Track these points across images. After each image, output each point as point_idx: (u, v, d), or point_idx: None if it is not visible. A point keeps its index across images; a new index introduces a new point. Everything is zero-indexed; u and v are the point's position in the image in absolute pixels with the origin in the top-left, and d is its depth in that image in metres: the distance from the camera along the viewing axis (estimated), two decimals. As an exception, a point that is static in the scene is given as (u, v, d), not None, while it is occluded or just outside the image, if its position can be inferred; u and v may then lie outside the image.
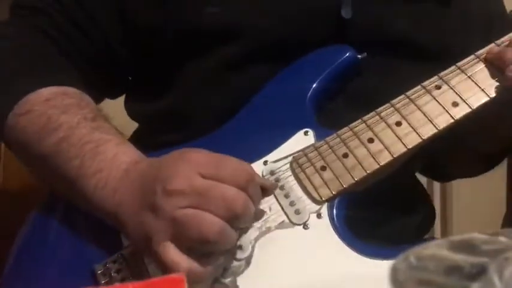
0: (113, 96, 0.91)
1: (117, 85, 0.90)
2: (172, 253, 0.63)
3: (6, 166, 1.09)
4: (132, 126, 0.91)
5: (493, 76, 0.70)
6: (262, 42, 0.77)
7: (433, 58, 0.80)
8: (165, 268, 0.63)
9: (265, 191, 0.69)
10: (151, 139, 0.83)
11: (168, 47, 0.81)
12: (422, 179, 0.97)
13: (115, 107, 0.90)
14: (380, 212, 0.77)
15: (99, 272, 0.71)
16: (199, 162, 0.65)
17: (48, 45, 0.81)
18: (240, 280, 0.67)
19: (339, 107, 0.78)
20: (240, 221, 0.64)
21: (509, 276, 0.34)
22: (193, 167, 0.64)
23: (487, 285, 0.34)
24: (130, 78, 0.91)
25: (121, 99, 0.93)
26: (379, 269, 0.62)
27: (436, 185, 1.73)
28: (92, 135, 0.72)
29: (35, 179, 0.83)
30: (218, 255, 0.65)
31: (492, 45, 0.72)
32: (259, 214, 0.69)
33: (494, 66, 0.70)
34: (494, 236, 0.38)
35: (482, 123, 0.77)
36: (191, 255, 0.63)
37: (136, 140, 0.84)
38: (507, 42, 0.72)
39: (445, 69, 0.72)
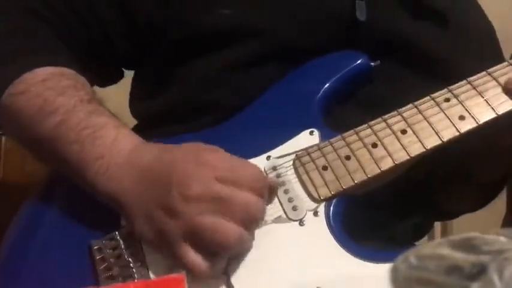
0: (103, 84, 0.90)
1: (109, 74, 0.90)
2: (192, 256, 0.64)
3: (6, 161, 1.09)
4: (132, 123, 0.91)
5: (502, 94, 0.70)
6: (273, 45, 0.78)
7: (441, 67, 0.80)
8: (183, 265, 0.65)
9: (270, 190, 0.70)
10: (155, 132, 0.83)
11: (173, 46, 0.81)
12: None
13: (114, 106, 0.90)
14: (378, 215, 0.77)
15: (95, 247, 0.72)
16: (216, 165, 0.66)
17: (43, 27, 0.80)
18: (232, 274, 0.67)
19: (347, 111, 0.79)
20: (255, 225, 0.66)
21: (509, 276, 0.34)
22: (210, 171, 0.65)
23: (487, 285, 0.34)
24: (123, 70, 0.90)
25: (121, 97, 0.93)
26: (371, 272, 0.63)
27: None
28: (89, 119, 0.71)
29: (35, 162, 0.83)
30: (232, 254, 0.67)
31: (504, 63, 0.72)
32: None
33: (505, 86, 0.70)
34: (494, 236, 0.38)
35: (486, 147, 0.77)
36: (206, 254, 0.65)
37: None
38: None
39: (451, 80, 0.73)
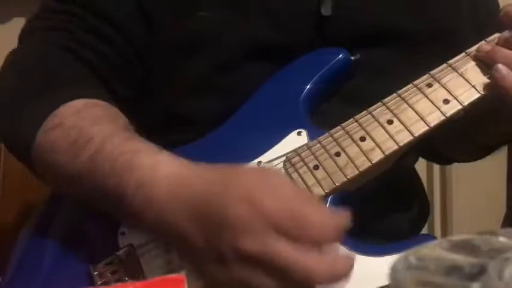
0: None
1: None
2: None
3: (6, 162, 1.09)
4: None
5: (484, 73, 0.70)
6: (250, 44, 0.78)
7: (420, 45, 0.80)
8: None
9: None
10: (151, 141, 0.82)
11: (161, 52, 0.81)
12: (422, 179, 0.97)
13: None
14: (374, 209, 0.77)
15: (96, 273, 0.72)
16: (276, 213, 0.55)
17: (71, 59, 0.78)
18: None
19: (332, 107, 0.79)
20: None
21: (509, 276, 0.34)
22: (267, 220, 0.55)
23: (487, 285, 0.33)
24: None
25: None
26: (371, 266, 0.64)
27: (436, 185, 1.73)
28: (125, 145, 0.66)
29: (37, 180, 0.79)
30: None
31: (482, 42, 0.72)
32: None
33: (485, 64, 0.70)
34: (494, 236, 0.38)
35: (476, 120, 0.77)
36: None
37: None
38: (496, 41, 0.72)
39: (433, 54, 0.73)
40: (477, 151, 0.89)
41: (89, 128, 0.68)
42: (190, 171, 0.62)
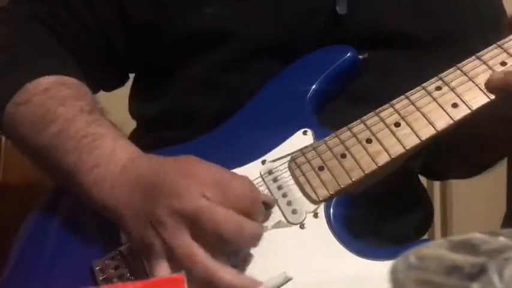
0: (108, 89, 0.91)
1: (114, 78, 0.90)
2: (160, 270, 0.64)
3: (6, 162, 1.09)
4: (132, 124, 0.91)
5: None
6: (258, 42, 0.78)
7: (431, 48, 0.80)
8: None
9: (266, 205, 0.69)
10: (150, 138, 0.83)
11: (165, 46, 0.81)
12: (423, 179, 0.97)
13: (114, 105, 0.90)
14: (378, 212, 0.77)
15: (97, 268, 0.72)
16: (205, 182, 0.65)
17: (46, 33, 0.81)
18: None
19: (339, 106, 0.78)
20: (241, 246, 0.66)
21: (509, 276, 0.34)
22: (199, 187, 0.64)
23: (487, 285, 0.33)
24: (128, 73, 0.91)
25: (120, 97, 0.93)
26: (375, 270, 0.63)
27: (436, 185, 1.73)
28: (89, 128, 0.72)
29: (35, 169, 0.83)
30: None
31: (496, 50, 0.70)
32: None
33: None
34: (494, 236, 0.38)
35: (476, 134, 0.77)
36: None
37: (136, 138, 0.84)
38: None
39: (442, 57, 0.72)
40: (469, 168, 0.89)
41: (55, 108, 0.73)
42: (141, 156, 0.70)
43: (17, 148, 0.82)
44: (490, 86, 0.68)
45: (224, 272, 0.63)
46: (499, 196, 1.32)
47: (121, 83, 0.91)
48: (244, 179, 0.67)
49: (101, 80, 0.87)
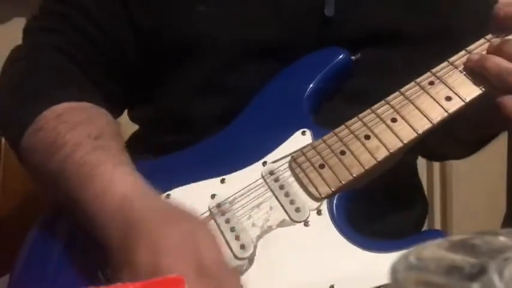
0: (130, 105, 0.90)
1: (133, 94, 0.89)
2: None
3: (6, 162, 1.09)
4: (133, 126, 0.91)
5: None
6: (254, 44, 0.78)
7: (422, 44, 0.81)
8: None
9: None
10: (151, 141, 0.83)
11: (165, 51, 0.82)
12: (422, 179, 0.97)
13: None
14: (379, 207, 0.77)
15: (104, 278, 0.71)
16: (201, 258, 0.62)
17: (65, 61, 0.81)
18: (243, 279, 0.67)
19: (335, 106, 0.79)
20: None
21: (509, 276, 0.34)
22: (195, 258, 0.61)
23: (487, 285, 0.34)
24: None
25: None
26: (382, 262, 0.64)
27: (436, 185, 1.74)
28: (89, 156, 0.71)
29: (49, 200, 0.82)
30: None
31: (486, 44, 0.72)
32: None
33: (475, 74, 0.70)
34: (494, 236, 0.38)
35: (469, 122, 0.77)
36: None
37: (136, 141, 0.84)
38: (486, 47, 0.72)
39: (434, 53, 0.74)
40: (460, 147, 0.89)
41: (65, 133, 0.73)
42: (139, 192, 0.68)
43: (32, 176, 0.81)
44: (467, 67, 0.70)
45: None
46: (499, 196, 1.32)
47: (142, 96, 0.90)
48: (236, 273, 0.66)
49: (123, 98, 0.87)
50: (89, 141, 0.72)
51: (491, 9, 0.83)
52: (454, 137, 0.86)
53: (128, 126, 0.89)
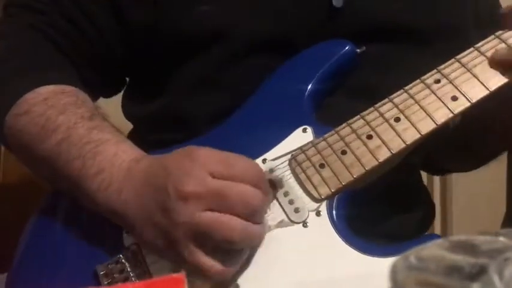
0: (108, 95, 0.91)
1: (113, 84, 0.90)
2: (201, 258, 0.64)
3: (6, 162, 1.09)
4: (129, 126, 0.91)
5: (493, 69, 0.69)
6: (256, 38, 0.77)
7: (429, 40, 0.79)
8: (196, 269, 0.64)
9: (274, 186, 0.69)
10: (148, 139, 0.83)
11: (162, 47, 0.81)
12: (423, 178, 0.97)
13: (111, 107, 0.90)
14: (380, 209, 0.76)
15: (102, 273, 0.71)
16: (209, 161, 0.65)
17: (44, 43, 0.81)
18: (241, 280, 0.67)
19: (338, 101, 0.77)
20: (259, 216, 0.65)
21: (509, 276, 0.34)
22: (203, 167, 0.64)
23: (487, 285, 0.34)
24: (127, 78, 0.90)
25: (117, 100, 0.93)
26: (379, 267, 0.62)
27: (436, 185, 1.73)
28: (90, 135, 0.72)
29: (37, 178, 0.83)
30: (244, 252, 0.66)
31: (495, 41, 0.70)
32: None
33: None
34: (494, 236, 0.38)
35: (480, 122, 0.77)
36: (217, 254, 0.64)
37: (133, 140, 0.84)
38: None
39: (441, 50, 0.72)
40: (471, 160, 0.89)
41: (56, 116, 0.73)
42: (144, 156, 0.71)
43: (19, 159, 0.82)
44: (495, 60, 0.68)
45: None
46: (499, 196, 1.32)
47: (119, 88, 0.91)
48: (245, 157, 0.68)
49: (101, 87, 0.87)
50: (84, 122, 0.73)
51: (495, 9, 0.83)
52: (467, 151, 0.85)
53: (121, 126, 0.89)
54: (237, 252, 0.65)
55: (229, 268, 0.64)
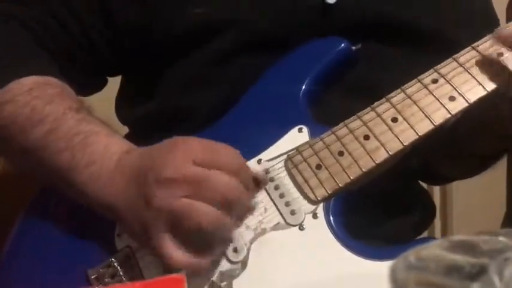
0: (87, 93, 0.89)
1: (93, 82, 0.89)
2: (169, 246, 0.63)
3: (5, 162, 1.09)
4: (124, 130, 0.91)
5: (491, 69, 0.68)
6: (248, 36, 0.76)
7: (424, 39, 0.79)
8: (163, 262, 0.63)
9: (258, 184, 0.69)
10: (143, 141, 0.82)
11: (155, 47, 0.80)
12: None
13: (107, 109, 0.90)
14: (376, 212, 0.76)
15: (93, 277, 0.70)
16: (191, 148, 0.65)
17: (26, 35, 0.80)
18: (236, 283, 0.66)
19: (334, 98, 0.77)
20: (234, 208, 0.64)
21: (509, 276, 0.34)
22: (186, 154, 0.64)
23: (487, 285, 0.33)
24: (107, 77, 0.90)
25: (112, 103, 0.92)
26: (376, 270, 0.62)
27: (436, 188, 1.73)
28: (80, 126, 0.71)
29: (16, 170, 0.82)
30: (215, 246, 0.65)
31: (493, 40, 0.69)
32: (253, 207, 0.68)
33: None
34: (494, 236, 0.38)
35: (479, 122, 0.76)
36: (188, 247, 0.63)
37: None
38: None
39: (436, 50, 0.71)
40: (473, 163, 0.88)
41: (42, 107, 0.72)
42: (135, 149, 0.70)
43: (1, 153, 0.81)
44: (475, 63, 0.67)
45: None
46: (499, 196, 1.32)
47: (100, 87, 0.90)
48: (230, 147, 0.67)
49: (81, 84, 0.85)
50: (72, 113, 0.72)
51: (490, 11, 0.83)
52: (469, 156, 0.85)
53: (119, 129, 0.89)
54: (208, 246, 0.64)
55: (196, 260, 0.63)
